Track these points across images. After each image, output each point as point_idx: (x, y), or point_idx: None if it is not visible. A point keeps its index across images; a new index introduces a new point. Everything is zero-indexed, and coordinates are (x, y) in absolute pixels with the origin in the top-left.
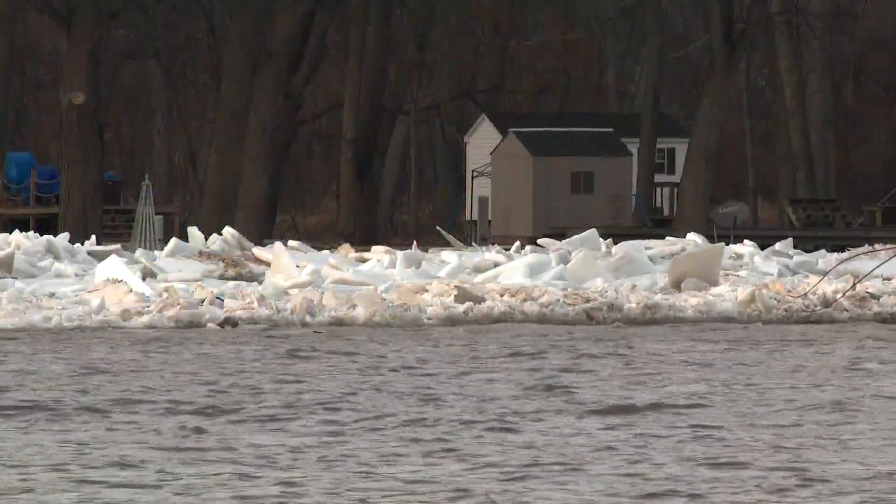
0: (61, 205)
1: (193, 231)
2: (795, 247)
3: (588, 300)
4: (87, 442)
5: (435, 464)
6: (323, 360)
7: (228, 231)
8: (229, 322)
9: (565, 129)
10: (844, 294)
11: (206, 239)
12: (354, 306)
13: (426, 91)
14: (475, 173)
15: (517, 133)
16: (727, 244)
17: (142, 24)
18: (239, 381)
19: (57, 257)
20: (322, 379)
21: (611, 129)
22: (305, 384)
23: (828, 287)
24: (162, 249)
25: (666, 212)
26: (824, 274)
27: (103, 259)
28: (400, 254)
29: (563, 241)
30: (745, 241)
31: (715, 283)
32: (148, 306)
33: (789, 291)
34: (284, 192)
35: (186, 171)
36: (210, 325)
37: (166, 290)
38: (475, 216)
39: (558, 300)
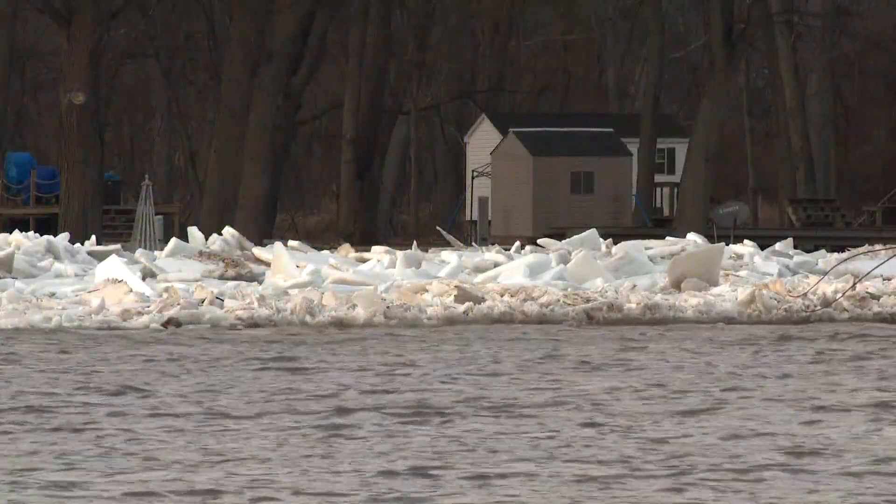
0: (61, 205)
1: (193, 231)
2: (795, 247)
3: (588, 300)
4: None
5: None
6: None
7: (228, 231)
8: (172, 322)
9: (565, 129)
10: (844, 294)
11: (206, 239)
12: (354, 306)
13: (426, 91)
14: (475, 173)
15: (517, 133)
16: (727, 244)
17: (142, 24)
18: None
19: (57, 257)
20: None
21: (611, 129)
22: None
23: (828, 287)
24: (162, 249)
25: (666, 212)
26: (824, 274)
27: (103, 259)
28: (400, 254)
29: (563, 241)
30: (745, 241)
31: (715, 284)
32: (148, 306)
33: (789, 291)
34: (284, 192)
35: (186, 171)
36: (153, 325)
37: (166, 290)
38: (475, 216)
39: (558, 300)
